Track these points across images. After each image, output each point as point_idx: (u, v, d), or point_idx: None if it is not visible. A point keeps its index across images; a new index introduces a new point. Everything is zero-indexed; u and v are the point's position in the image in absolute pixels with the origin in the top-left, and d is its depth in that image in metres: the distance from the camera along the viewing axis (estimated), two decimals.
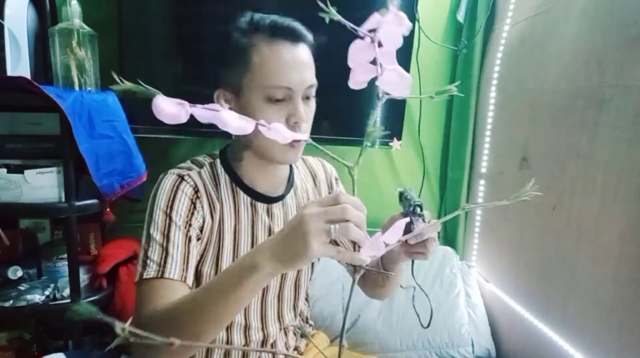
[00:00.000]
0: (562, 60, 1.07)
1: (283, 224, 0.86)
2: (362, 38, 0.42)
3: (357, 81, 0.45)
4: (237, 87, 0.75)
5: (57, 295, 1.11)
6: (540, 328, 1.10)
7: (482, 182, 1.48)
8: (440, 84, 1.55)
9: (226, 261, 0.81)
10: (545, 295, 1.10)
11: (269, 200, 0.84)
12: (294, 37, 0.74)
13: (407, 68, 1.41)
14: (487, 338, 1.33)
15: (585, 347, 0.96)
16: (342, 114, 1.43)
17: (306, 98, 0.77)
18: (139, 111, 1.19)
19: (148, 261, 0.72)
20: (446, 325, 1.31)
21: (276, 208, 0.85)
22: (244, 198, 0.82)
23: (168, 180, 0.78)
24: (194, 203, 0.78)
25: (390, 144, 1.44)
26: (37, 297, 1.08)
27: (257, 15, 0.75)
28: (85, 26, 1.08)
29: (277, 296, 0.88)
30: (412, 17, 1.39)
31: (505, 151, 1.35)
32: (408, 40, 1.41)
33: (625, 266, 0.85)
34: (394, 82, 0.43)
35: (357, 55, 0.43)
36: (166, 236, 0.73)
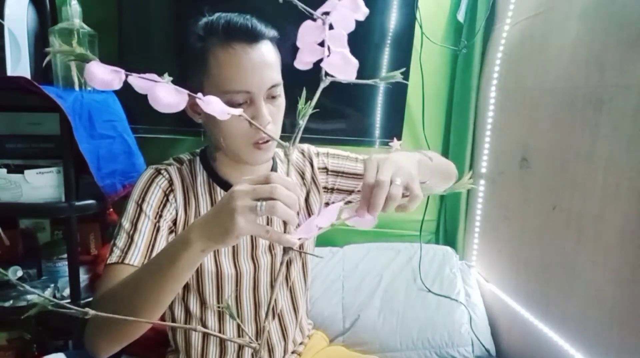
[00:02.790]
0: (562, 60, 1.07)
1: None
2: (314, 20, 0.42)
3: (302, 60, 0.44)
4: (199, 92, 0.74)
5: (57, 295, 1.11)
6: (540, 328, 1.10)
7: (482, 182, 1.48)
8: (440, 84, 1.55)
9: (207, 257, 0.82)
10: (545, 295, 1.10)
11: None
12: (251, 36, 0.72)
13: (407, 67, 1.41)
14: (487, 338, 1.33)
15: (585, 347, 0.96)
16: (342, 115, 1.43)
17: (271, 97, 0.75)
18: (139, 111, 1.19)
19: (114, 248, 0.74)
20: (446, 324, 1.31)
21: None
22: (221, 194, 0.83)
23: (145, 174, 0.80)
24: (167, 196, 0.79)
25: (390, 144, 1.44)
26: (36, 297, 1.08)
27: (213, 17, 0.74)
28: (85, 26, 1.08)
29: (269, 280, 0.88)
30: (412, 18, 1.39)
31: (505, 151, 1.35)
32: (408, 40, 1.41)
33: (625, 266, 0.85)
34: (340, 66, 0.43)
35: (306, 35, 0.43)
36: (134, 225, 0.75)
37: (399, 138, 1.48)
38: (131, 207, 0.77)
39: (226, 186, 0.83)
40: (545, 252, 1.11)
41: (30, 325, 1.20)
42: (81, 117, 1.01)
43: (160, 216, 0.77)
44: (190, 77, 0.75)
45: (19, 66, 1.05)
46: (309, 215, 0.92)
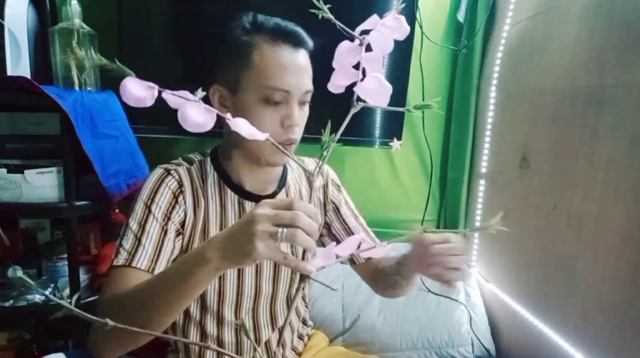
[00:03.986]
0: (562, 60, 1.07)
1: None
2: (352, 40, 0.41)
3: (336, 84, 0.43)
4: (234, 85, 0.75)
5: (57, 295, 1.11)
6: (540, 328, 1.10)
7: (482, 182, 1.48)
8: (440, 84, 1.55)
9: None
10: (545, 295, 1.10)
11: (258, 199, 0.83)
12: (296, 41, 0.75)
13: (406, 68, 1.41)
14: (487, 338, 1.33)
15: (585, 347, 0.95)
16: (342, 115, 1.42)
17: (302, 103, 0.77)
18: (138, 111, 1.18)
19: (120, 250, 0.73)
20: (446, 325, 1.31)
21: None
22: (231, 196, 0.83)
23: (154, 174, 0.80)
24: (176, 197, 0.78)
25: (390, 144, 1.44)
26: (37, 297, 1.08)
27: (261, 16, 0.76)
28: (85, 26, 1.08)
29: (270, 298, 0.88)
30: (412, 18, 1.39)
31: (505, 151, 1.35)
32: (408, 40, 1.41)
33: (625, 266, 0.85)
34: (374, 91, 0.41)
35: (342, 57, 0.41)
36: (142, 226, 0.74)
37: (399, 138, 1.49)
38: (139, 208, 0.76)
39: (236, 188, 0.83)
40: (545, 252, 1.11)
41: (30, 325, 1.20)
42: (83, 117, 1.01)
43: (169, 219, 0.77)
44: (228, 67, 0.76)
45: (19, 66, 1.05)
46: None
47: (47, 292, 1.10)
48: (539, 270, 1.14)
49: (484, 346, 1.31)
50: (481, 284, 1.46)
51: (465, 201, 1.53)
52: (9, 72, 1.02)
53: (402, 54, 1.40)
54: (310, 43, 0.77)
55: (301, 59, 0.75)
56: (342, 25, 0.39)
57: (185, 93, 0.37)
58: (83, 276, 1.13)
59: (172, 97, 0.36)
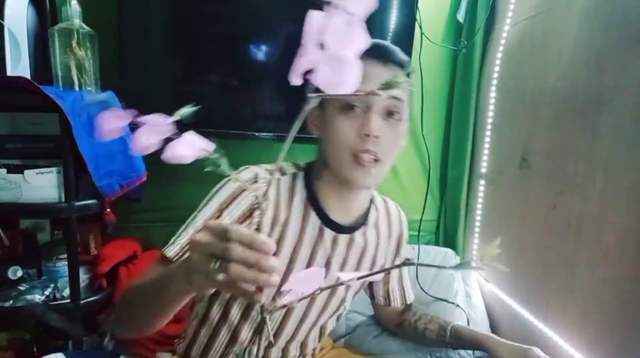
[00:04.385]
0: (562, 60, 1.07)
1: (342, 259, 0.84)
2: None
3: (295, 70, 0.31)
4: (322, 101, 0.73)
5: (57, 295, 1.11)
6: (540, 328, 1.10)
7: (482, 182, 1.48)
8: (440, 84, 1.55)
9: None
10: (545, 295, 1.10)
11: (339, 229, 0.81)
12: (385, 57, 0.72)
13: None
14: None
15: (585, 347, 0.95)
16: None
17: (389, 113, 0.73)
18: (139, 111, 1.18)
19: (177, 240, 0.71)
20: None
21: (342, 239, 0.83)
22: (313, 220, 0.80)
23: (244, 175, 0.75)
24: (251, 212, 0.74)
25: None
26: (37, 297, 1.08)
27: None
28: (85, 26, 1.08)
29: (311, 326, 0.88)
30: (412, 18, 1.39)
31: (505, 151, 1.35)
32: (408, 40, 1.41)
33: (625, 266, 0.85)
34: (335, 75, 0.30)
35: (313, 29, 0.30)
36: None
37: None
38: (213, 207, 0.72)
39: (321, 212, 0.79)
40: (545, 252, 1.11)
41: (30, 325, 1.20)
42: (81, 117, 1.01)
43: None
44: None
45: (19, 66, 1.05)
46: (371, 267, 0.91)
47: (47, 292, 1.10)
48: (539, 270, 1.14)
49: None
50: (481, 284, 1.46)
51: (465, 201, 1.53)
52: (9, 72, 1.02)
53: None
54: (405, 63, 0.74)
55: (386, 72, 0.71)
56: None
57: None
58: (83, 276, 1.14)
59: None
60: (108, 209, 1.24)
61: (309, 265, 0.80)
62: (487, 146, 1.44)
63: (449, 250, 1.52)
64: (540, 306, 1.12)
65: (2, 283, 1.10)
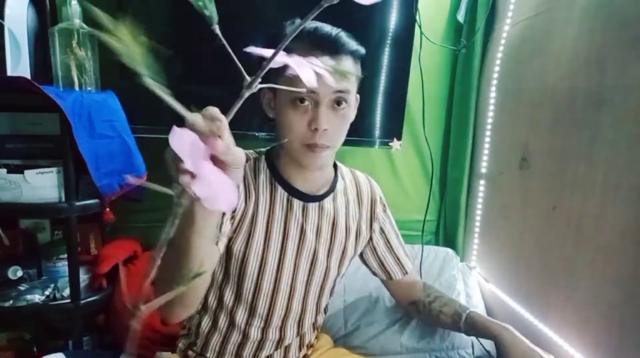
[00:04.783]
0: (562, 60, 1.07)
1: (316, 226, 0.88)
2: None
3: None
4: (273, 88, 0.75)
5: (57, 295, 1.11)
6: (540, 328, 1.10)
7: (482, 182, 1.48)
8: (440, 84, 1.55)
9: (255, 250, 0.83)
10: (545, 295, 1.10)
11: (306, 198, 0.86)
12: (333, 48, 0.73)
13: (406, 68, 1.41)
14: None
15: (585, 347, 0.95)
16: None
17: (337, 103, 0.76)
18: (139, 111, 1.18)
19: None
20: None
21: (312, 208, 0.87)
22: (280, 193, 0.85)
23: None
24: None
25: (390, 144, 1.44)
26: (37, 297, 1.08)
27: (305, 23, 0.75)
28: (85, 26, 1.08)
29: (302, 297, 0.90)
30: (412, 17, 1.39)
31: (505, 151, 1.35)
32: (408, 40, 1.41)
33: (625, 266, 0.85)
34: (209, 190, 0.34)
35: None
36: None
37: (399, 138, 1.49)
38: None
39: (286, 185, 0.85)
40: (545, 252, 1.11)
41: (30, 325, 1.20)
42: (81, 117, 1.01)
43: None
44: (272, 74, 0.76)
45: (19, 66, 1.05)
46: (346, 233, 0.94)
47: (47, 292, 1.10)
48: (539, 270, 1.14)
49: (484, 347, 1.31)
50: (481, 284, 1.46)
51: (465, 201, 1.53)
52: (9, 72, 1.02)
53: (402, 54, 1.40)
54: (357, 50, 0.75)
55: (336, 63, 0.73)
56: None
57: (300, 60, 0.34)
58: (83, 276, 1.13)
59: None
60: (107, 209, 1.24)
61: (284, 236, 0.85)
62: (487, 146, 1.44)
63: (449, 250, 1.52)
64: (540, 306, 1.12)
65: (2, 283, 1.10)
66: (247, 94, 0.36)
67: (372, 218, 0.98)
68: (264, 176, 0.85)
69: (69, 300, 1.09)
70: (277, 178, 0.85)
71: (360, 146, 1.47)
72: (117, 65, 1.25)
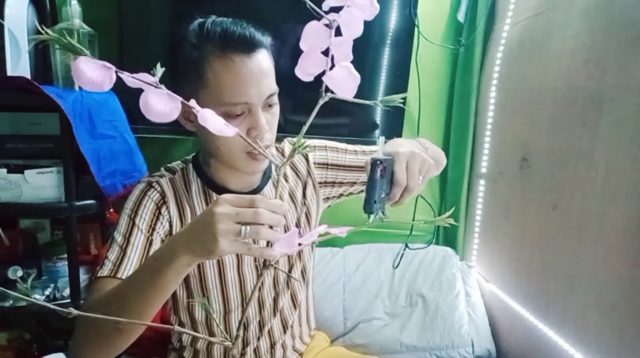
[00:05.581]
0: (562, 60, 1.07)
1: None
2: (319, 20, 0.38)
3: (305, 70, 0.39)
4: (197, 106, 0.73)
5: (57, 295, 1.10)
6: (540, 328, 1.10)
7: (482, 182, 1.48)
8: (440, 84, 1.55)
9: (209, 263, 0.81)
10: (545, 295, 1.10)
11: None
12: (249, 46, 0.70)
13: (407, 67, 1.41)
14: (487, 338, 1.33)
15: (585, 347, 0.96)
16: (341, 114, 1.43)
17: (268, 106, 0.74)
18: (139, 111, 1.18)
19: (105, 261, 0.72)
20: (446, 325, 1.31)
21: None
22: (215, 198, 0.80)
23: (137, 188, 0.80)
24: (159, 209, 0.78)
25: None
26: (37, 297, 1.08)
27: (208, 23, 0.71)
28: (85, 26, 1.08)
29: (273, 279, 0.88)
30: (412, 17, 1.39)
31: (505, 151, 1.35)
32: (408, 40, 1.41)
33: (625, 266, 0.85)
34: (342, 81, 0.38)
35: (310, 40, 0.38)
36: (127, 238, 0.74)
37: (400, 137, 1.48)
38: (124, 221, 0.76)
39: (221, 191, 0.82)
40: (545, 252, 1.11)
41: (30, 325, 1.20)
42: (81, 117, 1.01)
43: (154, 230, 0.77)
44: (184, 85, 0.72)
45: (19, 66, 1.05)
46: (308, 212, 0.92)
47: (47, 292, 1.10)
48: (539, 270, 1.14)
49: (485, 346, 1.31)
50: (481, 284, 1.46)
51: (465, 201, 1.53)
52: (9, 72, 1.02)
53: (402, 54, 1.40)
54: (267, 40, 0.73)
55: (257, 63, 0.70)
56: (311, 4, 0.36)
57: (145, 75, 0.34)
58: (83, 276, 1.13)
59: (130, 80, 0.34)
60: (111, 209, 1.24)
61: None
62: (487, 146, 1.44)
63: (449, 249, 1.52)
64: (540, 306, 1.12)
65: (2, 283, 1.10)
66: (320, 104, 0.42)
67: (312, 175, 0.92)
68: (195, 186, 0.82)
69: (69, 300, 1.09)
70: (210, 184, 0.82)
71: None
72: (117, 65, 1.25)
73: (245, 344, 0.88)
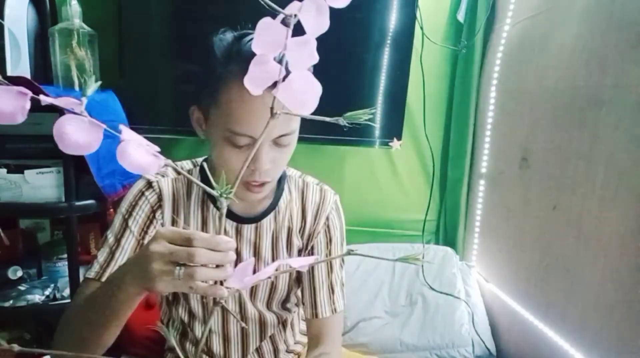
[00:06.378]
0: (562, 60, 1.07)
1: (253, 246, 0.80)
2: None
3: (252, 79, 0.31)
4: (206, 114, 0.70)
5: (57, 295, 1.11)
6: (540, 328, 1.10)
7: (482, 182, 1.48)
8: (440, 84, 1.55)
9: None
10: (545, 295, 1.10)
11: (240, 220, 0.79)
12: None
13: (406, 67, 1.41)
14: (487, 338, 1.33)
15: (585, 347, 0.95)
16: (341, 114, 1.43)
17: (277, 145, 0.68)
18: (139, 111, 1.19)
19: (95, 262, 0.72)
20: (446, 325, 1.31)
21: (247, 229, 0.80)
22: (213, 213, 0.78)
23: (137, 185, 0.77)
24: (154, 212, 0.76)
25: (390, 144, 1.45)
26: (37, 297, 1.08)
27: (242, 43, 0.65)
28: (85, 26, 1.08)
29: (257, 315, 0.85)
30: (412, 17, 1.39)
31: (505, 151, 1.35)
32: (408, 40, 1.41)
33: (625, 267, 0.85)
34: (299, 94, 0.31)
35: (266, 40, 0.30)
36: (118, 240, 0.73)
37: (399, 138, 1.49)
38: (118, 221, 0.75)
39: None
40: (545, 252, 1.11)
41: (30, 325, 1.20)
42: None
43: (145, 233, 0.75)
44: (202, 94, 0.69)
45: (19, 66, 1.05)
46: (289, 249, 0.84)
47: (47, 292, 1.10)
48: (539, 270, 1.14)
49: (485, 345, 1.31)
50: (481, 284, 1.46)
51: (465, 201, 1.53)
52: (9, 72, 1.03)
53: (402, 54, 1.40)
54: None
55: (277, 101, 0.65)
56: (272, 4, 0.30)
57: (68, 100, 0.29)
58: (83, 277, 1.14)
59: (52, 101, 0.29)
60: (111, 209, 1.24)
61: None
62: (487, 146, 1.44)
63: (449, 249, 1.53)
64: (540, 306, 1.12)
65: (2, 283, 1.10)
66: (270, 124, 0.35)
67: (312, 233, 0.85)
68: (196, 193, 0.78)
69: (69, 300, 1.09)
70: (211, 196, 0.76)
71: (360, 146, 1.47)
72: (117, 65, 1.25)
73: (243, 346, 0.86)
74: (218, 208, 0.79)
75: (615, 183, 0.89)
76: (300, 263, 0.38)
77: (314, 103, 0.31)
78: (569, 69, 1.05)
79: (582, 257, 0.97)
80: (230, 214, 0.79)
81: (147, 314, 1.07)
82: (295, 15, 0.29)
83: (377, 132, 1.44)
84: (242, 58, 0.63)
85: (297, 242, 0.84)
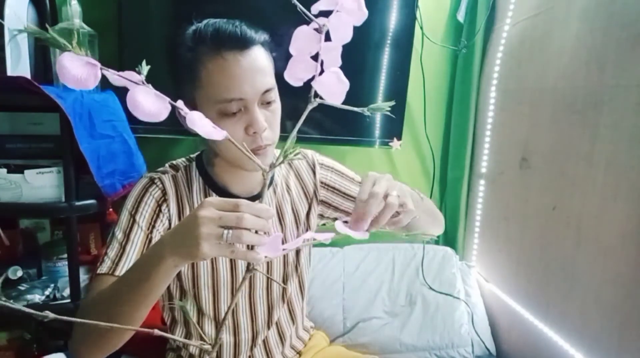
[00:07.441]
0: (562, 60, 1.07)
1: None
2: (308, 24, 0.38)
3: (295, 75, 0.39)
4: (192, 103, 0.73)
5: (57, 295, 1.10)
6: (540, 328, 1.10)
7: (482, 182, 1.48)
8: (440, 84, 1.55)
9: (203, 264, 0.81)
10: (545, 295, 1.10)
11: None
12: (241, 43, 0.70)
13: (406, 67, 1.41)
14: (487, 338, 1.33)
15: (585, 347, 0.96)
16: (341, 114, 1.43)
17: (266, 103, 0.74)
18: None
19: (105, 258, 0.73)
20: (446, 325, 1.31)
21: None
22: None
23: (140, 183, 0.80)
24: (159, 206, 0.79)
25: (390, 144, 1.45)
26: (37, 297, 1.08)
27: (201, 25, 0.73)
28: (85, 26, 1.08)
29: (266, 290, 0.88)
30: (413, 18, 1.39)
31: (505, 151, 1.35)
32: (408, 40, 1.41)
33: (625, 266, 0.85)
34: (331, 87, 0.39)
35: (300, 44, 0.38)
36: (127, 235, 0.75)
37: (399, 138, 1.49)
38: (124, 217, 0.76)
39: (222, 192, 0.82)
40: (545, 252, 1.11)
41: (30, 325, 1.20)
42: (81, 117, 1.01)
43: (153, 227, 0.77)
44: (182, 87, 0.74)
45: (19, 66, 1.05)
46: (296, 218, 0.91)
47: (47, 292, 1.10)
48: (539, 270, 1.14)
49: (484, 345, 1.31)
50: (481, 284, 1.46)
51: (465, 201, 1.53)
52: (9, 72, 1.02)
53: (402, 54, 1.40)
54: (261, 37, 0.73)
55: (250, 60, 0.70)
56: (302, 8, 0.36)
57: (131, 74, 0.33)
58: (83, 276, 1.13)
59: (116, 78, 0.33)
60: (110, 209, 1.24)
61: None
62: (487, 146, 1.44)
63: (448, 248, 1.53)
64: (540, 306, 1.12)
65: (2, 283, 1.10)
66: (309, 109, 0.42)
67: (317, 192, 0.92)
68: (197, 186, 0.82)
69: (69, 300, 1.09)
70: (211, 185, 0.82)
71: (360, 146, 1.47)
72: (117, 65, 1.25)
73: (237, 352, 0.87)
74: (219, 195, 0.79)
75: (615, 183, 0.89)
76: (325, 236, 0.47)
77: (342, 95, 0.39)
78: (569, 69, 1.05)
79: (582, 257, 0.97)
80: (230, 196, 0.81)
81: (147, 314, 1.07)
82: (325, 24, 0.37)
83: (377, 132, 1.44)
84: (207, 37, 0.70)
85: (301, 208, 0.90)
